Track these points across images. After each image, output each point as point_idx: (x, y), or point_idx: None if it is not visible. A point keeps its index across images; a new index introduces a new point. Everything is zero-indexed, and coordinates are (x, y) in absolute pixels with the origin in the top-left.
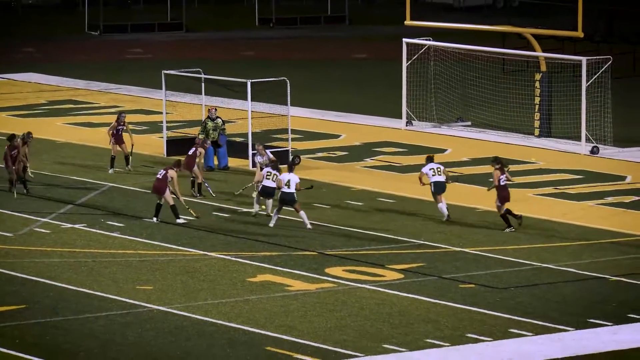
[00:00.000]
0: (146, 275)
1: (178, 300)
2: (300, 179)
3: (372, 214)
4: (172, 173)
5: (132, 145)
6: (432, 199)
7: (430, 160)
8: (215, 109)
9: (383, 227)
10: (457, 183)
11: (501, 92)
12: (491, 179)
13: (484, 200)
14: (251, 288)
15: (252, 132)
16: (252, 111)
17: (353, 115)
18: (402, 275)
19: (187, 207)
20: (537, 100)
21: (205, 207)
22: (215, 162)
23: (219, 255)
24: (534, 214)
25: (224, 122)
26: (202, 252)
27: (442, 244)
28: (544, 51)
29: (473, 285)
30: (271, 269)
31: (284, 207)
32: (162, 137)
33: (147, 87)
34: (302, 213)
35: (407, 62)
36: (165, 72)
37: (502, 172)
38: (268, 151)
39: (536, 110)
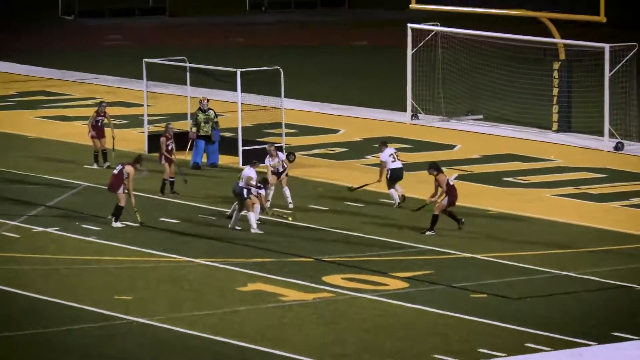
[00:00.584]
0: (125, 283)
1: (160, 311)
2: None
3: (374, 216)
4: (128, 169)
5: (114, 138)
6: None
7: (385, 145)
8: (207, 100)
9: (386, 231)
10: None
11: (516, 83)
12: (454, 179)
13: (496, 201)
14: (241, 298)
15: (242, 127)
16: (242, 103)
17: (353, 108)
18: (407, 284)
19: (135, 210)
20: (555, 91)
21: (191, 209)
22: (204, 159)
23: (205, 262)
24: (552, 216)
25: (216, 114)
26: (186, 259)
27: (451, 250)
28: (563, 37)
29: (485, 295)
30: (263, 277)
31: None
32: (143, 132)
33: (126, 77)
34: (250, 214)
35: (412, 50)
36: (147, 60)
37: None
38: (281, 153)
39: (554, 103)
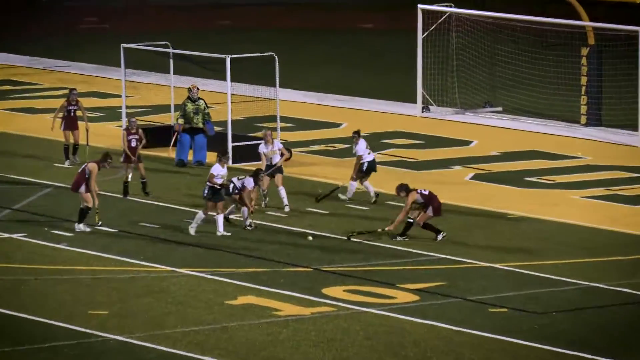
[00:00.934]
0: (101, 296)
1: (140, 327)
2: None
3: (381, 220)
4: (91, 167)
5: (88, 130)
6: (455, 202)
7: (359, 135)
8: (197, 88)
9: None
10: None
11: (539, 71)
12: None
13: (517, 203)
14: (231, 312)
15: (232, 120)
16: (232, 94)
17: (357, 99)
18: (417, 297)
19: (97, 210)
20: (583, 80)
21: (174, 213)
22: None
23: (190, 272)
24: (580, 220)
25: (207, 105)
26: (169, 268)
27: (466, 258)
28: (592, 20)
29: (505, 310)
30: (255, 289)
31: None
32: (121, 127)
33: (102, 65)
34: (220, 216)
35: (423, 34)
36: (125, 45)
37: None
38: (278, 141)
39: (583, 93)
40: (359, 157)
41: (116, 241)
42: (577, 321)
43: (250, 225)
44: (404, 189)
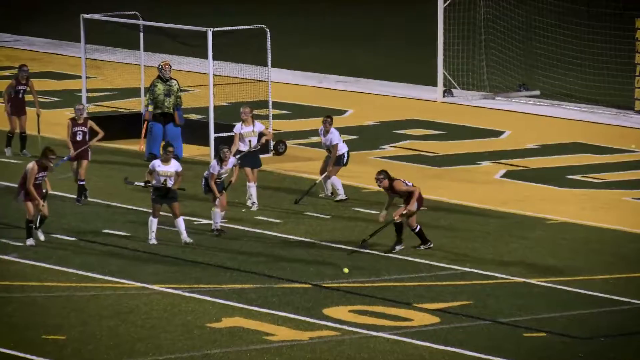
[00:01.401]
0: (57, 318)
1: (104, 355)
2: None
3: (393, 227)
4: (29, 167)
5: (39, 116)
6: (483, 204)
7: (332, 121)
8: (170, 66)
9: (409, 246)
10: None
11: (585, 48)
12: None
13: (558, 206)
14: (213, 338)
15: (215, 106)
16: (215, 75)
17: (365, 81)
18: (437, 319)
19: (34, 214)
20: (638, 58)
21: (144, 217)
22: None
23: (165, 289)
24: (633, 227)
25: (180, 87)
26: (139, 284)
27: (496, 272)
28: None
29: (543, 334)
30: (243, 310)
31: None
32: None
33: (58, 40)
34: (179, 220)
35: (444, 3)
36: (86, 16)
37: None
38: (259, 122)
39: (637, 74)
40: (335, 147)
41: (76, 252)
42: (629, 348)
43: (216, 230)
44: (385, 174)
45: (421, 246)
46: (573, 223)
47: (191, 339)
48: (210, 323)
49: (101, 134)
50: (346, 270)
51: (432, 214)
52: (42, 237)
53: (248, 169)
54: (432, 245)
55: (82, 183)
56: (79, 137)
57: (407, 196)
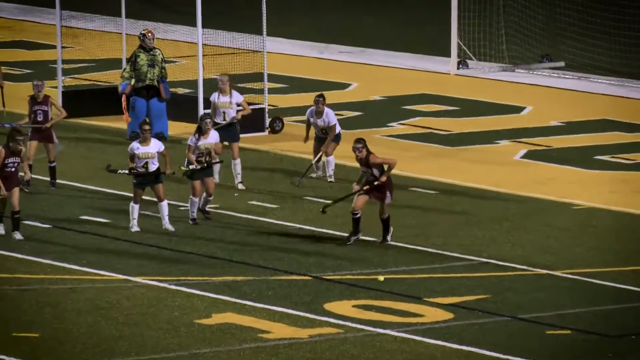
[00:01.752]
0: (30, 314)
1: (82, 354)
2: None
3: (402, 213)
4: None
5: (2, 88)
6: (501, 188)
7: (324, 99)
8: (153, 34)
9: (420, 234)
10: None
11: (614, 14)
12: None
13: (584, 190)
14: (203, 335)
15: (204, 79)
16: (204, 44)
17: (371, 51)
18: (450, 315)
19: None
20: None
21: (126, 202)
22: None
23: (149, 282)
24: None
25: (164, 58)
26: (121, 276)
27: (516, 263)
28: None
29: (567, 332)
30: (236, 304)
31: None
32: (57, 88)
33: (29, 5)
34: (163, 203)
35: None
36: None
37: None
38: (237, 93)
39: None
40: (334, 128)
41: (50, 240)
42: None
43: (192, 220)
44: (365, 144)
45: (351, 237)
46: (601, 209)
47: (178, 336)
48: (199, 319)
49: (63, 114)
50: (381, 278)
51: (445, 198)
52: (18, 237)
53: (231, 145)
54: (359, 237)
55: (52, 165)
56: (39, 117)
57: (380, 171)
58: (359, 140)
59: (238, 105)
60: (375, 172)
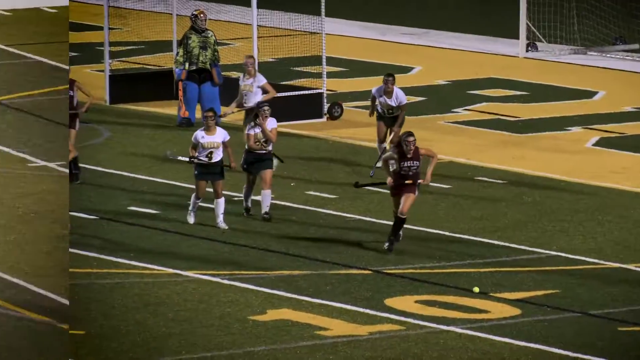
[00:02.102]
0: (75, 310)
1: (130, 353)
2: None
3: (467, 203)
4: None
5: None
6: (571, 177)
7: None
8: (205, 15)
9: (486, 226)
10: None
11: None
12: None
13: None
14: (257, 333)
15: (259, 62)
16: (258, 26)
17: (435, 33)
18: (518, 311)
19: None
20: None
21: (175, 191)
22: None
23: (200, 276)
24: None
25: (217, 40)
26: (171, 271)
27: (587, 257)
28: None
29: None
30: (292, 300)
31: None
32: (104, 72)
33: None
34: (220, 200)
35: None
36: None
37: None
38: (261, 76)
39: None
40: (405, 107)
41: (96, 233)
42: None
43: (247, 210)
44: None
45: (393, 243)
46: None
47: (231, 334)
48: (253, 316)
49: (90, 99)
50: (477, 289)
51: (513, 188)
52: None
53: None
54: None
55: (75, 156)
56: (75, 102)
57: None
58: (411, 134)
59: (261, 88)
60: (417, 163)
